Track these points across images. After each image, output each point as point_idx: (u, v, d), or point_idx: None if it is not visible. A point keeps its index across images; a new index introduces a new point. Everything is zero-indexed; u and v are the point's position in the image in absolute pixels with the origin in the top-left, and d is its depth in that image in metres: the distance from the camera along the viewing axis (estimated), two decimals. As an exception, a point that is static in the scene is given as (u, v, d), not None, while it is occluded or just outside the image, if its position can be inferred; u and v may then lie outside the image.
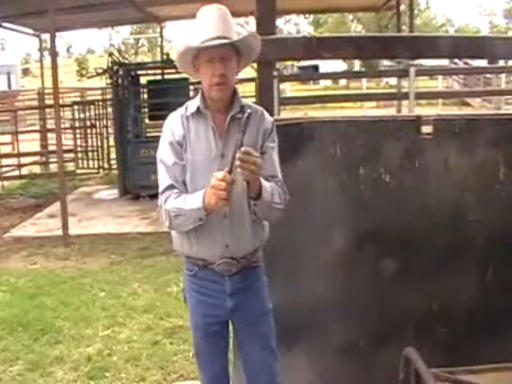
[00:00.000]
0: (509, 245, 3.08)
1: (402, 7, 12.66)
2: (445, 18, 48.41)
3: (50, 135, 13.03)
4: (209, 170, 2.27)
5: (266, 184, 2.25)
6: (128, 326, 4.83)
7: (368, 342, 3.09)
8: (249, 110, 2.21)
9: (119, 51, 13.49)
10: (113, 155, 11.82)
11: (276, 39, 3.12)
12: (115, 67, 10.47)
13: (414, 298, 3.08)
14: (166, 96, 10.27)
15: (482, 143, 3.07)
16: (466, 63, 18.18)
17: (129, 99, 10.40)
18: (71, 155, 12.06)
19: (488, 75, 22.10)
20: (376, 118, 3.46)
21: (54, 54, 8.05)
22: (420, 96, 11.20)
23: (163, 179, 2.34)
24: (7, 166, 12.16)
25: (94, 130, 12.37)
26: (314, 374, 3.13)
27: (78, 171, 12.29)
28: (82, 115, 12.42)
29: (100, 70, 11.22)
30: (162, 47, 15.95)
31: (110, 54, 11.01)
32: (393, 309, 3.08)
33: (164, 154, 2.36)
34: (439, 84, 28.14)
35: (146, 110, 11.29)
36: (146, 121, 11.48)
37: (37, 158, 13.33)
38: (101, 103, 12.62)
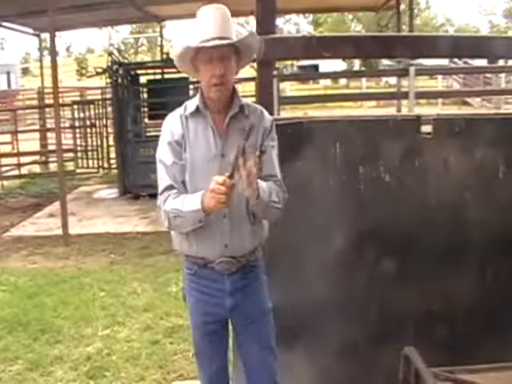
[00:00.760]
0: (508, 244, 3.08)
1: (402, 7, 12.66)
2: (444, 18, 48.45)
3: (49, 134, 13.04)
4: (209, 169, 2.27)
5: (263, 184, 2.25)
6: (128, 326, 4.82)
7: (368, 341, 3.09)
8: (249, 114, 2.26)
9: (119, 50, 13.48)
10: (112, 154, 11.83)
11: (276, 39, 3.12)
12: (115, 67, 10.48)
13: (413, 297, 3.08)
14: (166, 95, 10.26)
15: (481, 143, 3.08)
16: (465, 63, 18.19)
17: (128, 99, 10.40)
18: (71, 154, 12.07)
19: (488, 75, 22.11)
20: (376, 117, 3.46)
21: (53, 54, 8.04)
22: (420, 95, 11.20)
23: (162, 179, 2.34)
24: (7, 165, 12.16)
25: (93, 130, 12.37)
26: (313, 374, 3.13)
27: (78, 170, 12.31)
28: (81, 114, 12.42)
29: (100, 70, 11.22)
30: (161, 47, 15.92)
31: (110, 54, 11.02)
32: (393, 308, 3.08)
33: (163, 153, 2.35)
34: (439, 83, 28.14)
35: (146, 109, 11.28)
36: (146, 120, 11.48)
37: (36, 158, 13.33)
38: (100, 103, 12.61)
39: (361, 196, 3.10)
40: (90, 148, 12.49)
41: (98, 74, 11.45)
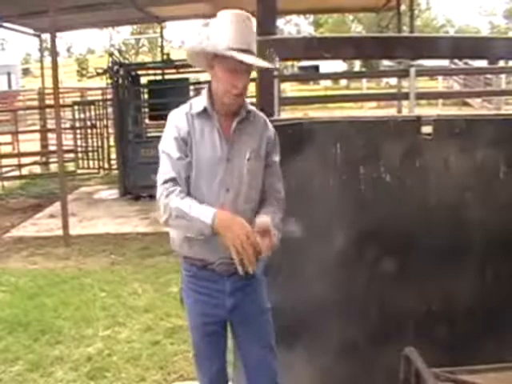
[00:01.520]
0: (509, 244, 3.08)
1: (403, 8, 12.66)
2: (445, 19, 48.42)
3: (50, 135, 13.04)
4: (213, 172, 2.29)
5: (267, 219, 2.26)
6: (128, 326, 4.83)
7: (368, 341, 3.09)
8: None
9: (119, 51, 13.50)
10: (113, 155, 11.84)
11: (276, 39, 3.12)
12: (115, 67, 10.48)
13: (414, 297, 3.08)
14: (167, 96, 10.27)
15: (481, 143, 3.08)
16: (466, 64, 18.18)
17: (129, 99, 10.41)
18: (71, 155, 12.08)
19: (488, 75, 22.09)
20: (376, 118, 3.46)
21: (54, 54, 8.05)
22: (420, 96, 11.19)
23: (166, 171, 2.29)
24: (7, 166, 12.16)
25: (94, 130, 12.38)
26: (313, 374, 3.13)
27: (79, 171, 12.32)
28: (82, 115, 12.43)
29: (100, 70, 11.24)
30: (162, 47, 15.94)
31: (111, 54, 11.03)
32: (393, 308, 3.08)
33: (168, 147, 2.31)
34: (439, 84, 28.13)
35: (147, 110, 11.29)
36: (147, 121, 11.49)
37: (37, 158, 13.33)
38: (101, 103, 12.63)
39: (361, 196, 3.10)
40: (90, 149, 12.51)
41: (98, 74, 11.47)
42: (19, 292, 5.73)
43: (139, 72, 11.37)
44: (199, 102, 2.36)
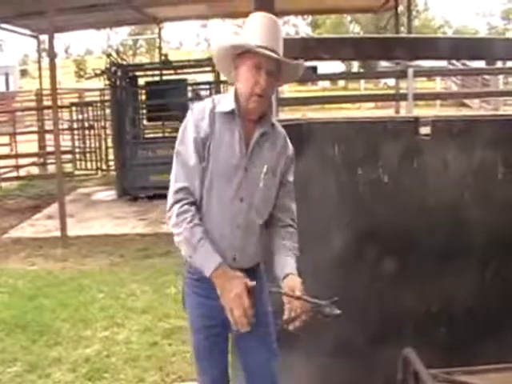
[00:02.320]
0: (508, 244, 3.08)
1: (400, 8, 12.68)
2: (443, 20, 48.49)
3: (48, 136, 13.02)
4: (228, 178, 2.24)
5: (297, 283, 2.30)
6: (127, 327, 4.82)
7: (367, 342, 3.09)
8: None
9: (117, 52, 13.47)
10: (111, 156, 11.83)
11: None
12: (113, 68, 10.48)
13: (413, 298, 3.08)
14: (164, 97, 10.30)
15: (480, 144, 3.08)
16: (463, 64, 18.20)
17: (127, 100, 10.40)
18: (69, 156, 12.08)
19: (486, 76, 22.12)
20: (374, 118, 3.47)
21: (52, 55, 8.05)
22: (418, 97, 11.21)
23: (179, 179, 2.24)
24: (5, 167, 12.15)
25: (92, 131, 12.39)
26: (312, 374, 3.13)
27: (76, 172, 12.33)
28: (80, 116, 12.43)
29: (98, 71, 11.23)
30: (160, 48, 15.93)
31: (109, 55, 11.02)
32: (392, 309, 3.08)
33: (185, 150, 2.24)
34: (437, 85, 28.16)
35: (144, 111, 11.30)
36: (144, 122, 11.49)
37: (35, 159, 13.31)
38: (99, 104, 12.62)
39: (360, 197, 3.11)
40: (88, 150, 12.51)
41: (96, 75, 11.47)
42: (17, 293, 5.72)
43: (137, 73, 11.37)
44: (225, 102, 2.28)
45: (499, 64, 11.21)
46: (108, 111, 11.96)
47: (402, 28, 12.48)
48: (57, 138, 7.87)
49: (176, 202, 2.23)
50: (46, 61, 12.72)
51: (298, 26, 44.45)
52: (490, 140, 3.08)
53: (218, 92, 10.58)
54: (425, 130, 3.09)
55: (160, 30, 15.67)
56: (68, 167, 11.91)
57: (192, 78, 12.70)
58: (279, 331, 2.49)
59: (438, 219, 3.09)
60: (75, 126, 12.64)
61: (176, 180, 2.25)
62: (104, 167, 12.53)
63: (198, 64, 11.64)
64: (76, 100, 16.57)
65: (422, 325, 3.08)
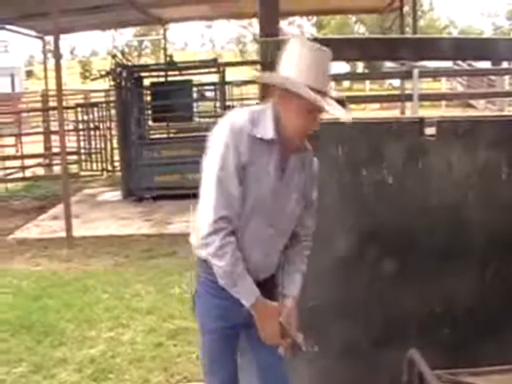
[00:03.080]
0: (511, 245, 3.07)
1: (406, 9, 12.65)
2: (448, 20, 48.37)
3: (53, 137, 13.05)
4: (262, 206, 2.20)
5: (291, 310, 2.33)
6: (131, 328, 4.83)
7: (371, 343, 3.08)
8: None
9: (123, 53, 13.48)
10: (116, 157, 11.85)
11: (279, 41, 3.12)
12: (119, 69, 10.49)
13: (416, 299, 3.08)
14: (170, 98, 10.31)
15: (484, 145, 3.07)
16: (469, 65, 18.17)
17: (132, 101, 10.41)
18: (75, 157, 12.11)
19: (492, 77, 22.07)
20: (379, 119, 3.46)
21: (57, 56, 8.07)
22: (423, 97, 11.18)
23: (221, 205, 2.13)
24: (11, 167, 12.19)
25: (97, 132, 12.41)
26: (316, 376, 3.12)
27: (82, 173, 12.35)
28: (85, 117, 12.45)
29: (103, 72, 11.27)
30: (165, 49, 15.95)
31: (114, 56, 11.04)
32: (396, 310, 3.08)
33: (227, 177, 2.12)
34: (443, 86, 28.10)
35: (150, 111, 11.31)
36: (150, 123, 11.50)
37: (40, 160, 13.34)
38: (104, 105, 12.66)
39: (364, 198, 3.10)
40: (93, 150, 12.54)
41: (101, 76, 11.49)
42: (22, 294, 5.73)
43: (142, 74, 11.38)
44: (264, 127, 2.17)
45: (505, 64, 11.17)
46: (113, 112, 11.99)
47: (408, 28, 12.46)
48: (62, 139, 7.88)
49: (217, 231, 2.14)
50: (51, 62, 12.73)
51: (303, 27, 44.40)
52: (495, 141, 3.08)
53: (222, 93, 10.61)
54: (430, 131, 3.08)
55: (165, 30, 15.70)
56: (73, 168, 11.94)
57: (197, 78, 12.71)
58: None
59: (442, 220, 3.08)
60: (81, 126, 12.67)
61: (216, 207, 2.14)
62: (109, 168, 12.57)
63: (203, 65, 11.67)
64: (81, 101, 16.62)
65: (426, 326, 3.08)
